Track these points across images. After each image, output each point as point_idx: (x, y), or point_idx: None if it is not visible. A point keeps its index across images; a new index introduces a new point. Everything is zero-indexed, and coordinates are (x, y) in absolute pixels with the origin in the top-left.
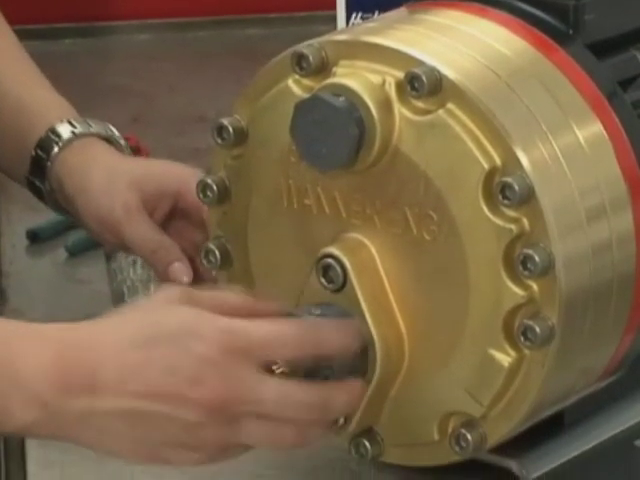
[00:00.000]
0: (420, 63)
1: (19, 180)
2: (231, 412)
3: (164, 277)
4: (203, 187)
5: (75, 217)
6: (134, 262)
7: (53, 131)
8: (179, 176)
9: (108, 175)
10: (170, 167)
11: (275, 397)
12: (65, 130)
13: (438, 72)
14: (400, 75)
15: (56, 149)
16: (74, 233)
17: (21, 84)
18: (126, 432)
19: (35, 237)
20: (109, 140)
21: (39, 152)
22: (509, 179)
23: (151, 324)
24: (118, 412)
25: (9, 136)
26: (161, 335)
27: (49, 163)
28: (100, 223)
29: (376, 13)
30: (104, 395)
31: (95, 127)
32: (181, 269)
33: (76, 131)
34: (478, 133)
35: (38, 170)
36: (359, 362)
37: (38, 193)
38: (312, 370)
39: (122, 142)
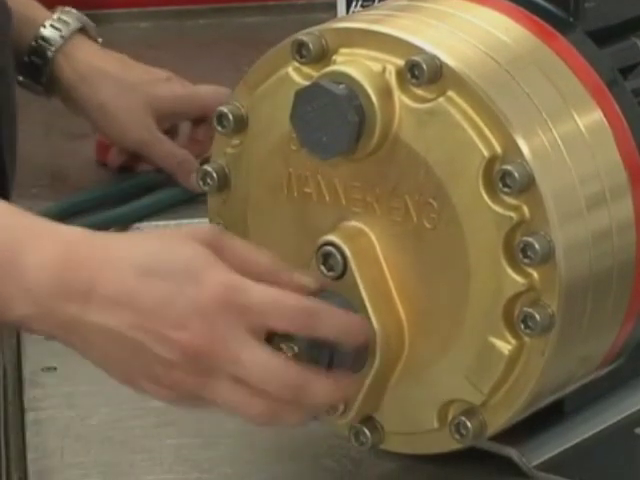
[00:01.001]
0: (420, 51)
1: None
2: (206, 364)
3: (190, 185)
4: (203, 175)
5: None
6: None
7: (42, 38)
8: (200, 101)
9: (122, 91)
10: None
11: (254, 364)
12: (53, 34)
13: (438, 60)
14: (400, 63)
15: (49, 55)
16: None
17: None
18: (107, 349)
19: None
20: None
21: (33, 58)
22: (509, 167)
23: (159, 255)
24: (103, 329)
25: None
26: (164, 269)
27: (47, 69)
28: (123, 140)
29: (376, 1)
30: (95, 308)
31: (72, 22)
32: None
33: (62, 34)
34: (478, 121)
35: (34, 73)
36: (361, 353)
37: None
38: (315, 351)
39: (92, 25)
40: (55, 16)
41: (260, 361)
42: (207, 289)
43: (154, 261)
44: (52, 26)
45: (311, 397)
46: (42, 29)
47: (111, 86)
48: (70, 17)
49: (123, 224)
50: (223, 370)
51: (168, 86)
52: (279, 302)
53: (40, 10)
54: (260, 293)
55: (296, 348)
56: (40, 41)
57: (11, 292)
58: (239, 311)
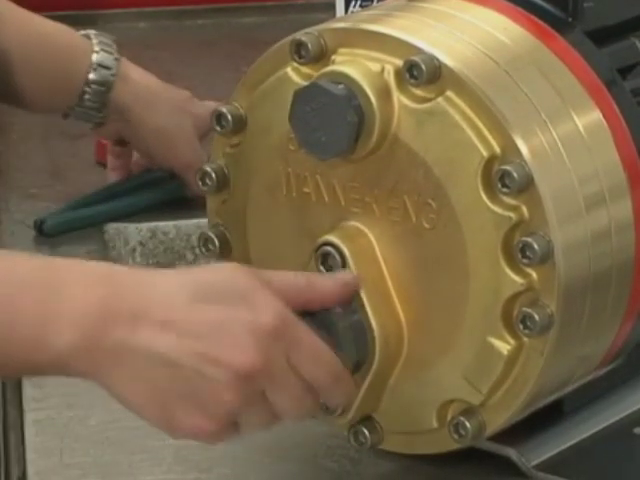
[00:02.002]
0: (419, 51)
1: (47, 110)
2: (257, 387)
3: None
4: (202, 175)
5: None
6: (133, 250)
7: (101, 64)
8: None
9: (174, 112)
10: None
11: (294, 390)
12: (108, 59)
13: (437, 60)
14: (399, 63)
15: (111, 79)
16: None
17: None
18: (149, 376)
19: (41, 228)
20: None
21: (93, 86)
22: (508, 167)
23: (209, 280)
24: (150, 353)
25: (47, 70)
26: (216, 294)
27: (109, 95)
28: (171, 162)
29: (375, 1)
30: (144, 332)
31: (110, 41)
32: None
33: (115, 56)
34: (477, 121)
35: (94, 100)
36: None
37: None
38: None
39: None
40: (95, 40)
41: (296, 388)
42: (262, 315)
43: (205, 287)
44: (103, 50)
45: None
46: (95, 55)
47: (165, 107)
48: (105, 37)
49: (118, 217)
50: (264, 390)
51: (202, 105)
52: (320, 351)
53: (76, 35)
54: (306, 334)
55: None
56: (98, 68)
57: (54, 322)
58: (290, 344)
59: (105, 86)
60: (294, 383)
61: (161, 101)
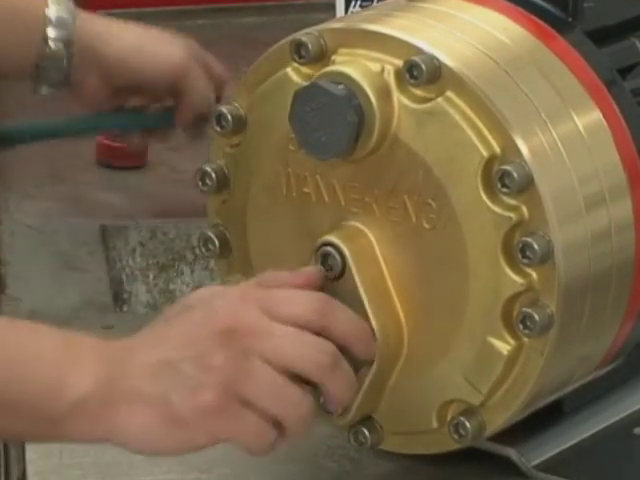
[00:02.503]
0: (419, 51)
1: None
2: (241, 343)
3: None
4: (202, 175)
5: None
6: (133, 250)
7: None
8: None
9: (150, 37)
10: None
11: (284, 333)
12: (62, 10)
13: (437, 60)
14: (399, 63)
15: (71, 21)
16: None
17: None
18: (146, 398)
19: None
20: None
21: (50, 43)
22: (508, 167)
23: (172, 312)
24: (144, 366)
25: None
26: (188, 304)
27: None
28: (164, 66)
29: (375, 1)
30: (136, 354)
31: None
32: None
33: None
34: (477, 121)
35: (54, 55)
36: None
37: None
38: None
39: None
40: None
41: (291, 331)
42: (230, 291)
43: (172, 313)
44: (56, 3)
45: (344, 369)
46: (47, 10)
47: (136, 29)
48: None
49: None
50: (255, 348)
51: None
52: (299, 292)
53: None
54: (277, 290)
55: None
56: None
57: (71, 369)
58: (259, 298)
59: (66, 29)
60: (281, 331)
61: (130, 27)
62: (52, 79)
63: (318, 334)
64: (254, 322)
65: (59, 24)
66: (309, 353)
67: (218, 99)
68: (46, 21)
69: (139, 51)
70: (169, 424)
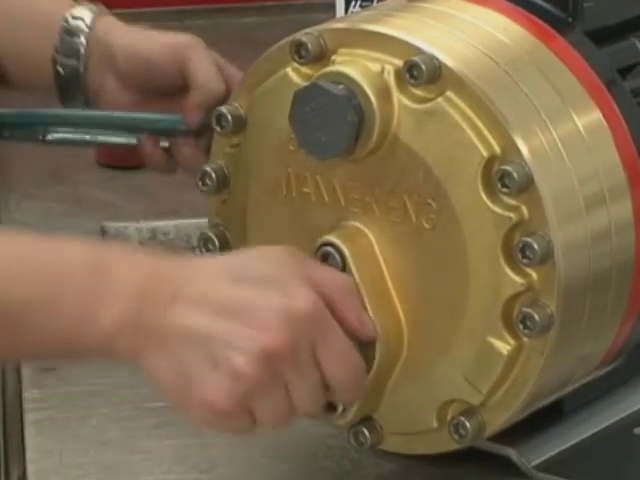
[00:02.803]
0: (419, 51)
1: (29, 81)
2: (277, 370)
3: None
4: (202, 175)
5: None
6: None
7: (75, 17)
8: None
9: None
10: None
11: (312, 382)
12: (85, 13)
13: (437, 60)
14: (399, 63)
15: (86, 30)
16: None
17: None
18: (179, 352)
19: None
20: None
21: (67, 37)
22: (508, 167)
23: (249, 262)
24: (183, 330)
25: (24, 37)
26: (253, 276)
27: (87, 31)
28: (165, 46)
29: (375, 1)
30: (180, 309)
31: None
32: None
33: (94, 10)
34: (477, 121)
35: (69, 47)
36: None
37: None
38: None
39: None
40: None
41: (315, 381)
42: (296, 300)
43: (242, 269)
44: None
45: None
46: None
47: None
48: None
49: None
50: (284, 378)
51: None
52: (348, 350)
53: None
54: (338, 331)
55: None
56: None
57: (102, 299)
58: (320, 334)
59: (82, 25)
60: (316, 375)
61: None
62: (72, 96)
63: None
64: (301, 356)
65: (68, 46)
66: (314, 405)
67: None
68: (56, 43)
69: (149, 38)
70: (179, 391)
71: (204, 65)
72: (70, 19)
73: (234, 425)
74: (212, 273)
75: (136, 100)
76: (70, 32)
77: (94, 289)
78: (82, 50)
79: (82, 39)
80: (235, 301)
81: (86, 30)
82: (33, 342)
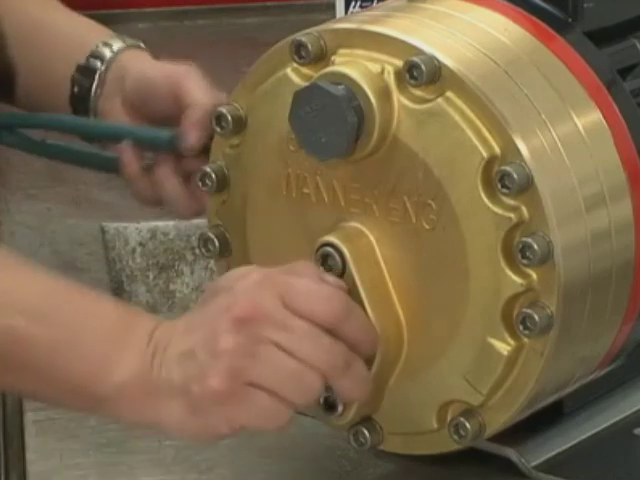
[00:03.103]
0: (419, 51)
1: (45, 104)
2: (254, 330)
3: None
4: (202, 175)
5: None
6: (133, 250)
7: (106, 43)
8: None
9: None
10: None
11: (299, 327)
12: (116, 42)
13: (437, 60)
14: (399, 63)
15: (109, 55)
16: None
17: (58, 11)
18: (176, 380)
19: None
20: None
21: (91, 60)
22: (508, 168)
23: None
24: (176, 356)
25: (52, 59)
26: (216, 288)
27: (103, 66)
28: (162, 73)
29: (375, 1)
30: (171, 346)
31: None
32: None
33: (127, 42)
34: (477, 122)
35: (86, 76)
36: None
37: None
38: None
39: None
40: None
41: (306, 327)
42: (252, 275)
43: (206, 300)
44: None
45: (358, 367)
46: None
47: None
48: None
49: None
50: (268, 336)
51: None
52: (322, 288)
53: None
54: (301, 280)
55: None
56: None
57: (118, 353)
58: (280, 285)
59: (107, 52)
60: (300, 323)
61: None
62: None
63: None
64: (271, 312)
65: (87, 68)
66: (323, 354)
67: None
68: (79, 63)
69: (154, 66)
70: (192, 413)
71: (198, 85)
72: (100, 45)
73: (254, 407)
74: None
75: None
76: (94, 55)
77: (117, 344)
78: (98, 73)
79: (103, 63)
80: (202, 315)
81: (109, 56)
82: (46, 383)
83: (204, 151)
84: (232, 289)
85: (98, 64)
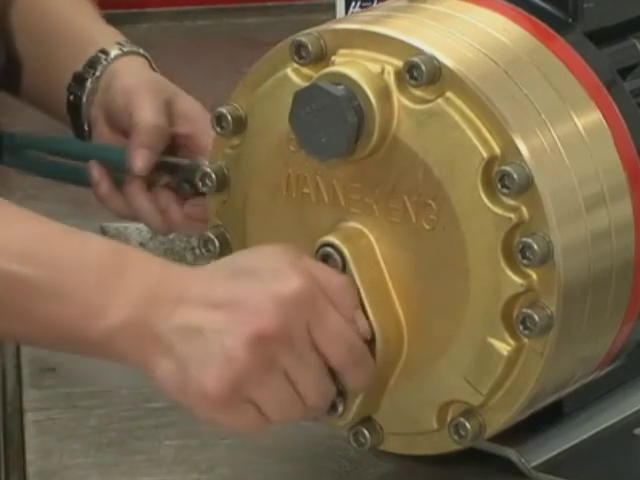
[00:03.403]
0: (419, 52)
1: (51, 107)
2: (269, 352)
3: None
4: (202, 176)
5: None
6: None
7: (103, 51)
8: (195, 121)
9: (139, 75)
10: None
11: (314, 366)
12: (114, 49)
13: (437, 61)
14: (399, 64)
15: (104, 63)
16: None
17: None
18: (179, 348)
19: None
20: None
21: (86, 68)
22: (508, 168)
23: (244, 259)
24: (182, 328)
25: (57, 60)
26: (247, 269)
27: (96, 75)
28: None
29: (375, 1)
30: (180, 309)
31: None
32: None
33: (124, 49)
34: (477, 122)
35: (79, 84)
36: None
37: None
38: None
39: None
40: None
41: (316, 361)
42: (287, 282)
43: (239, 264)
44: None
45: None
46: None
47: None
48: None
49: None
50: (283, 362)
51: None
52: (349, 334)
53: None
54: (332, 311)
55: None
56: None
57: (113, 296)
58: (313, 316)
59: (103, 58)
60: (316, 359)
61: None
62: (79, 126)
63: None
64: (295, 339)
65: (81, 76)
66: (317, 395)
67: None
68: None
69: (131, 77)
70: (180, 389)
71: (147, 103)
72: (98, 52)
73: (238, 418)
74: (209, 274)
75: (116, 138)
76: (89, 64)
77: (107, 285)
78: (89, 81)
79: (96, 72)
80: (228, 293)
81: (103, 64)
82: (36, 326)
83: (161, 168)
84: (269, 286)
85: (91, 72)
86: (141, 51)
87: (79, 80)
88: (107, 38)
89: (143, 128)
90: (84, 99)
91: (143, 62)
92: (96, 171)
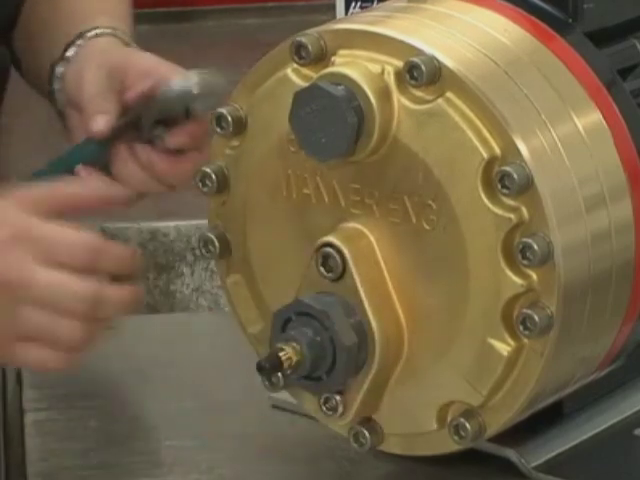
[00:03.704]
0: (419, 52)
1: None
2: (10, 295)
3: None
4: (202, 176)
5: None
6: None
7: (80, 36)
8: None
9: (91, 54)
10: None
11: (47, 282)
12: (90, 33)
13: (437, 61)
14: (399, 64)
15: (88, 36)
16: None
17: None
18: None
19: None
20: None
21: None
22: (508, 168)
23: None
24: None
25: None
26: None
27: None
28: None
29: (375, 2)
30: None
31: (119, 31)
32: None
33: (98, 31)
34: (477, 122)
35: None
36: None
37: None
38: (318, 350)
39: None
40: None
41: (52, 279)
42: (3, 230)
43: None
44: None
45: (109, 307)
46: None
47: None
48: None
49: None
50: (23, 298)
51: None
52: (68, 237)
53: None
54: (50, 228)
55: (299, 347)
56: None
57: None
58: (30, 244)
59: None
60: (45, 279)
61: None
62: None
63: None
64: (24, 273)
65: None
66: (72, 302)
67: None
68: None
69: (83, 61)
70: None
71: (88, 77)
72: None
73: (24, 359)
74: None
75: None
76: (66, 49)
77: None
78: (58, 69)
79: (65, 58)
80: None
81: (79, 43)
82: None
83: (127, 129)
84: None
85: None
86: (118, 33)
87: (52, 68)
88: (100, 22)
89: (88, 98)
90: (55, 86)
91: (108, 41)
92: (83, 173)
